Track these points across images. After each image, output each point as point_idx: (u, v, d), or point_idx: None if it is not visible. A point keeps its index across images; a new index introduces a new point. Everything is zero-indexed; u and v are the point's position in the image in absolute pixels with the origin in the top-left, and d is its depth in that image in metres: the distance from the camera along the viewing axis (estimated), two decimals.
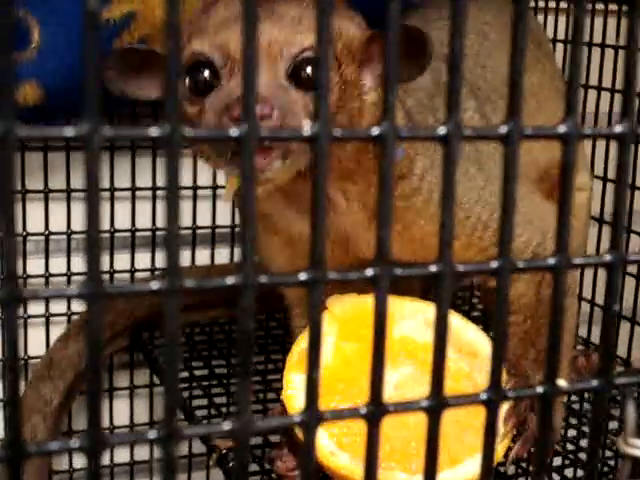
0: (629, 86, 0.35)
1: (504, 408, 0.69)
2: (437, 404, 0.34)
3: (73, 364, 0.98)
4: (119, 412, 1.10)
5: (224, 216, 1.11)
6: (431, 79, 0.74)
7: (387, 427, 0.66)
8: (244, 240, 0.32)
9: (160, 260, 1.08)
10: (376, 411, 0.34)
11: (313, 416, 0.32)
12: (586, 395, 0.96)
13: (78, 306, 1.04)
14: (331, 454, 0.65)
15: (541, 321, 0.76)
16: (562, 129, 0.34)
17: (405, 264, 0.33)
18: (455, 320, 0.72)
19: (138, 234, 1.08)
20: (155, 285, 0.30)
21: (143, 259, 1.09)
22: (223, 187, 0.81)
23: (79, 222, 1.03)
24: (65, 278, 1.05)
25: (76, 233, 1.04)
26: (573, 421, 0.93)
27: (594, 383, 0.36)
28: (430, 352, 0.69)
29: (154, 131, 0.30)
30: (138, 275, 1.08)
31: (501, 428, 0.68)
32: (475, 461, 0.65)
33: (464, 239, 0.73)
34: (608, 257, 0.36)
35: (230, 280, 0.32)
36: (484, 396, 0.35)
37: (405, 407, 0.35)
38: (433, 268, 0.33)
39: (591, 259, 0.36)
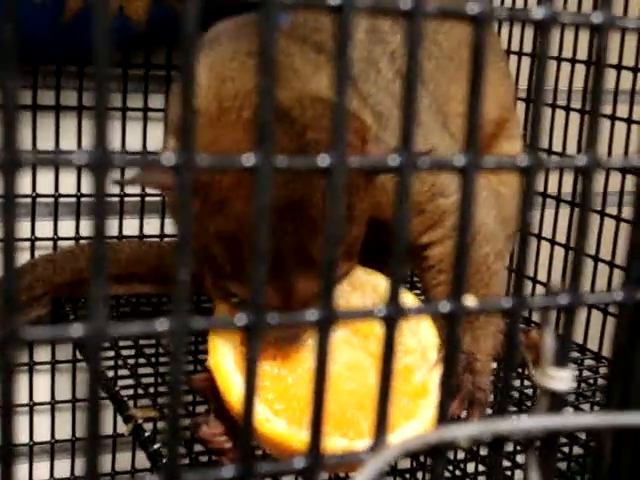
0: (595, 111, 0.33)
1: (439, 371, 0.68)
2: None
3: None
4: (39, 388, 1.06)
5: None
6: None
7: None
8: (177, 281, 0.29)
9: None
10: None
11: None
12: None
13: None
14: (266, 421, 0.63)
15: (471, 280, 0.74)
16: (524, 162, 0.32)
17: (350, 310, 0.31)
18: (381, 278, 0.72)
19: None
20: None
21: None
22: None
23: None
24: None
25: None
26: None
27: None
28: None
29: None
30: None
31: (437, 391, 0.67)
32: (414, 425, 0.64)
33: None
34: (564, 297, 0.33)
35: (161, 326, 0.29)
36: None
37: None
38: (381, 313, 0.31)
39: (549, 300, 0.33)
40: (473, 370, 0.70)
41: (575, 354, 1.02)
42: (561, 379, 0.35)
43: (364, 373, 0.68)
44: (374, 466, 0.32)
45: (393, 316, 0.31)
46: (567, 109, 1.05)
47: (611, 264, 1.01)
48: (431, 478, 0.34)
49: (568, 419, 0.34)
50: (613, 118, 1.01)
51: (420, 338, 0.68)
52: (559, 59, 1.05)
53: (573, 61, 1.05)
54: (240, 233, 0.61)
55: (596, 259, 1.02)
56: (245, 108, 0.64)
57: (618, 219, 0.99)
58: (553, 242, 1.07)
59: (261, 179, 0.29)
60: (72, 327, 0.28)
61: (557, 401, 0.35)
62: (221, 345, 0.67)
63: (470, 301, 0.33)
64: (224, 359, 0.66)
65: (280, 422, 0.63)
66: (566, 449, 0.88)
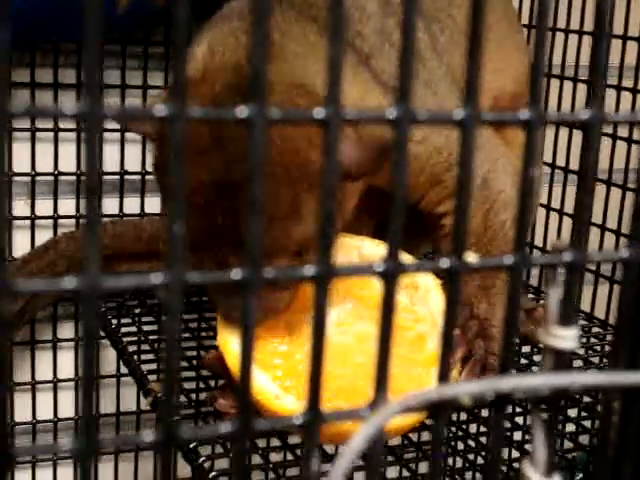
0: (596, 70, 0.33)
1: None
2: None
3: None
4: (63, 364, 1.07)
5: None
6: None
7: (333, 366, 0.65)
8: (172, 235, 0.29)
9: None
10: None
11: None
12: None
13: None
14: (276, 397, 0.63)
15: (488, 247, 0.75)
16: (524, 116, 0.31)
17: (347, 266, 0.30)
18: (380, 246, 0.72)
19: None
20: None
21: None
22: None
23: None
24: None
25: None
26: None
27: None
28: (368, 288, 0.68)
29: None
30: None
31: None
32: None
33: (415, 164, 0.72)
34: (569, 255, 0.33)
35: (156, 279, 0.29)
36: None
37: None
38: (379, 268, 0.31)
39: (553, 257, 0.33)
40: (487, 336, 0.70)
41: (597, 329, 1.02)
42: (565, 338, 0.34)
43: (374, 345, 0.67)
44: (374, 422, 0.32)
45: (391, 271, 0.31)
46: (574, 80, 1.05)
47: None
48: (432, 437, 0.34)
49: (573, 377, 0.34)
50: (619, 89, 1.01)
51: (430, 306, 0.68)
52: (567, 31, 1.04)
53: (580, 33, 1.04)
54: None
55: (618, 233, 1.01)
56: (218, 81, 0.64)
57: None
58: (548, 208, 1.06)
59: (255, 131, 0.29)
60: (66, 280, 0.28)
61: (562, 360, 0.34)
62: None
63: (471, 257, 0.32)
64: (231, 338, 0.66)
65: (289, 398, 0.63)
66: (588, 423, 0.88)
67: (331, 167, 0.30)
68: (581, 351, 0.95)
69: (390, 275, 0.31)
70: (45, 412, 1.06)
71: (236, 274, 0.29)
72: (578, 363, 0.93)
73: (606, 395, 0.36)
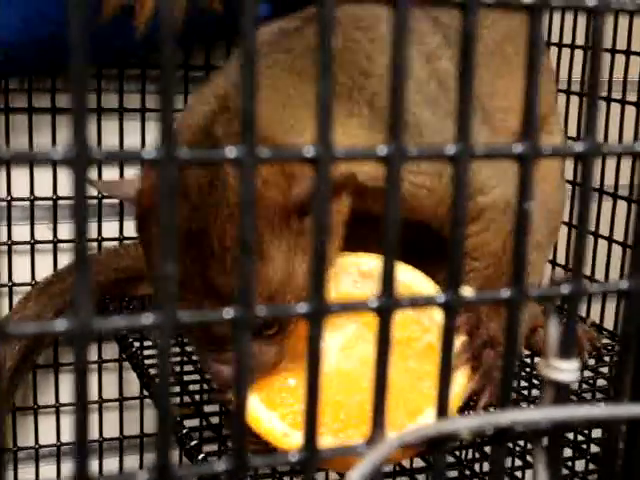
0: (593, 98, 0.32)
1: (457, 342, 0.68)
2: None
3: None
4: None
5: None
6: None
7: (341, 394, 0.65)
8: (162, 274, 0.29)
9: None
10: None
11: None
12: None
13: None
14: (284, 435, 0.63)
15: (504, 269, 0.75)
16: (518, 149, 0.31)
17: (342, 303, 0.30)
18: (400, 269, 0.71)
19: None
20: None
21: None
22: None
23: None
24: None
25: None
26: None
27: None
28: None
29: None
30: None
31: (453, 361, 0.67)
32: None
33: (432, 198, 0.73)
34: (567, 287, 0.33)
35: (147, 320, 0.29)
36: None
37: None
38: (374, 304, 0.30)
39: (551, 290, 0.33)
40: (496, 353, 0.69)
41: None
42: (566, 370, 0.34)
43: None
44: (371, 460, 0.32)
45: (386, 307, 0.31)
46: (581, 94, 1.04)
47: None
48: (433, 473, 0.33)
49: (572, 410, 0.33)
50: None
51: (433, 316, 0.67)
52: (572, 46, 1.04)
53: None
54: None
55: (624, 245, 1.01)
56: (196, 117, 0.66)
57: None
58: (570, 225, 1.06)
59: (245, 172, 0.29)
60: (57, 322, 0.28)
61: (562, 393, 0.34)
62: None
63: (467, 291, 0.32)
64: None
65: (298, 434, 0.62)
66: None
67: (322, 206, 0.30)
68: (605, 369, 0.94)
69: (385, 311, 0.31)
70: (69, 435, 1.07)
71: (228, 313, 0.29)
72: (601, 382, 0.93)
73: (609, 427, 0.36)
